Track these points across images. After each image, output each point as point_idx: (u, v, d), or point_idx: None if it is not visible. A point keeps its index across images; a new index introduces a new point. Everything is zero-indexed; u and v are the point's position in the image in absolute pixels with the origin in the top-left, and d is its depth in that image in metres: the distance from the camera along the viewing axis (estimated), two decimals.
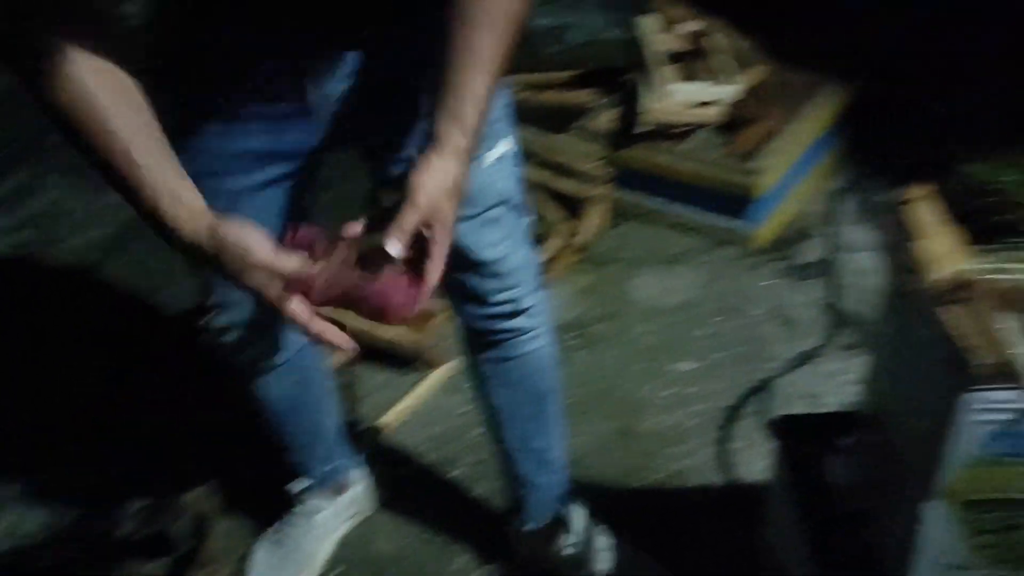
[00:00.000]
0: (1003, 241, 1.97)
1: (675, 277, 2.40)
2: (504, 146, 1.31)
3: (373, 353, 2.13)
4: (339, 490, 1.81)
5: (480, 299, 1.41)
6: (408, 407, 2.08)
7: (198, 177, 1.02)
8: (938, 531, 1.13)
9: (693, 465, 1.92)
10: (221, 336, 1.43)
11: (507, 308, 1.43)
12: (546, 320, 1.50)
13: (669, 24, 2.64)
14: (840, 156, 2.74)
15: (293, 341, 1.51)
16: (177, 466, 1.97)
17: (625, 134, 2.53)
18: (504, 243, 1.36)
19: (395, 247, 0.96)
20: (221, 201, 1.05)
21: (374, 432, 2.04)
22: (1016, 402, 1.01)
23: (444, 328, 2.23)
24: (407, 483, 1.93)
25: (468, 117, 1.04)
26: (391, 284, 0.96)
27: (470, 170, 1.12)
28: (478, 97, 1.05)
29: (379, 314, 0.98)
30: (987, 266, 1.17)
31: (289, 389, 1.60)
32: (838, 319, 2.21)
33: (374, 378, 2.16)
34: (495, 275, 1.38)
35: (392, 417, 2.06)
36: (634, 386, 2.11)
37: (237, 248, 0.96)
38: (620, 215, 2.59)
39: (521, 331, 1.47)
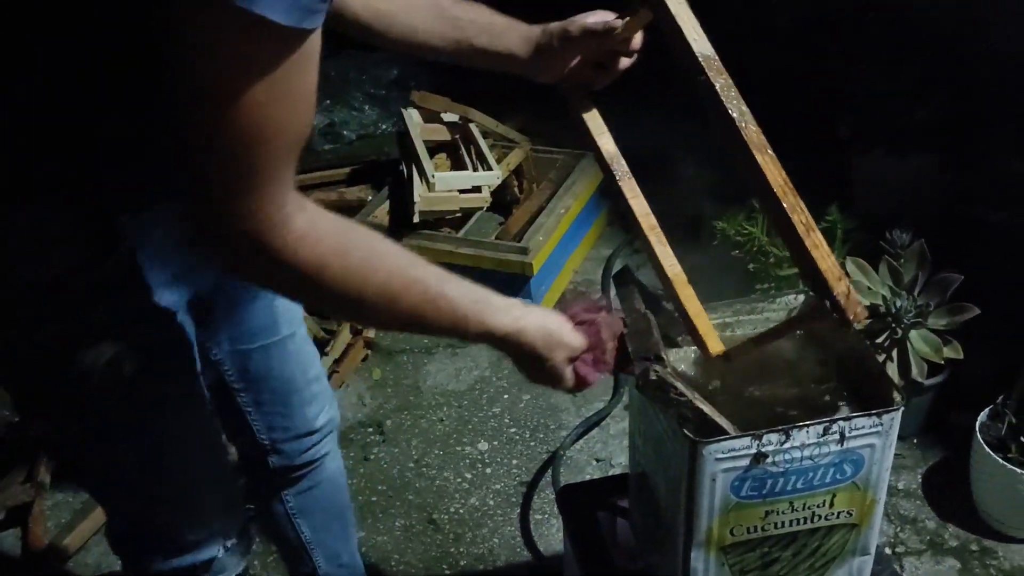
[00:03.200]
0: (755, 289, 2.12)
1: (465, 359, 2.45)
2: None
3: None
4: None
5: (305, 431, 1.36)
6: None
7: None
8: None
9: (498, 544, 1.94)
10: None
11: (328, 429, 1.39)
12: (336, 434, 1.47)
13: (431, 116, 2.73)
14: (606, 222, 2.89)
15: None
16: None
17: (403, 224, 2.58)
18: (316, 359, 1.36)
19: None
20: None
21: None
22: (749, 448, 1.09)
23: None
24: None
25: None
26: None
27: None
28: None
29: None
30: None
31: None
32: (619, 380, 2.30)
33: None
34: (315, 397, 1.35)
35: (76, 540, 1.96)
36: (435, 473, 2.12)
37: (552, 329, 1.01)
38: None
39: (328, 454, 1.43)
